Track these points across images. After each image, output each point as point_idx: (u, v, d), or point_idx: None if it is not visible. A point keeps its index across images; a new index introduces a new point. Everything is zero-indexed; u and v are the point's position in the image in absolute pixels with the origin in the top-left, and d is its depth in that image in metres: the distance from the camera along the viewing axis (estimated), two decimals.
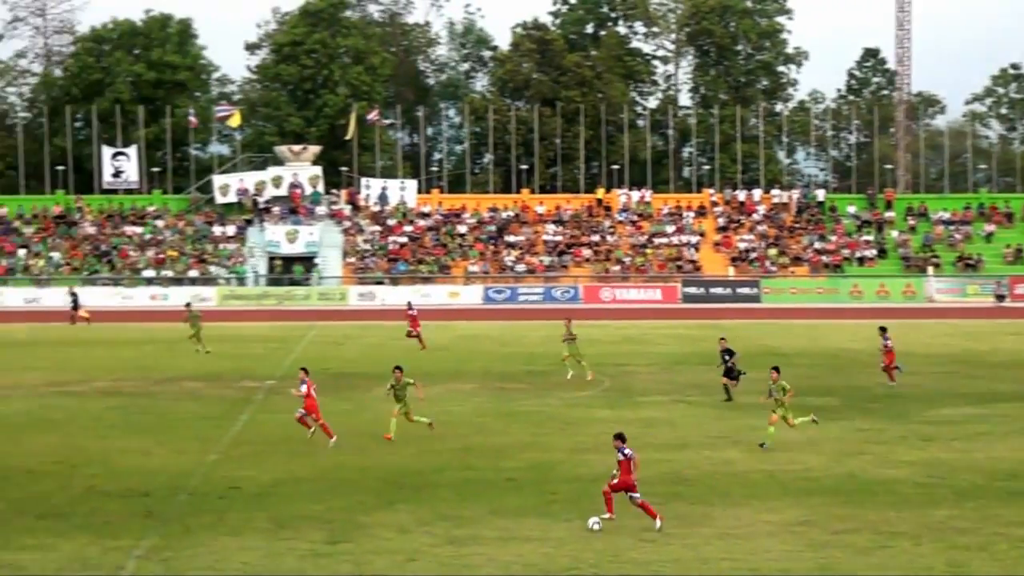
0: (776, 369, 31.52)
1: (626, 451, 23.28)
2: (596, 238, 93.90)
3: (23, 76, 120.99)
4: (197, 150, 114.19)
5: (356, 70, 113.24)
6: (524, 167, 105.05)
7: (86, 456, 29.92)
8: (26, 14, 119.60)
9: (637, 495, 23.24)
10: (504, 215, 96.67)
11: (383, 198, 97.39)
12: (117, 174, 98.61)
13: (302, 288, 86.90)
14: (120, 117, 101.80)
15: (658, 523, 22.81)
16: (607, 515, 23.01)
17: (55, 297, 79.54)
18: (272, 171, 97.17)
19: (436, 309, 78.86)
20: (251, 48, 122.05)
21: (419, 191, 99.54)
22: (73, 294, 72.94)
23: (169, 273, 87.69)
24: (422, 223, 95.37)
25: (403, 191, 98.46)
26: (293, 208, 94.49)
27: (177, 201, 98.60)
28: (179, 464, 29.03)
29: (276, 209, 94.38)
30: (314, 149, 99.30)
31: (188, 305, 57.61)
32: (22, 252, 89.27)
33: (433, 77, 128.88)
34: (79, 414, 36.70)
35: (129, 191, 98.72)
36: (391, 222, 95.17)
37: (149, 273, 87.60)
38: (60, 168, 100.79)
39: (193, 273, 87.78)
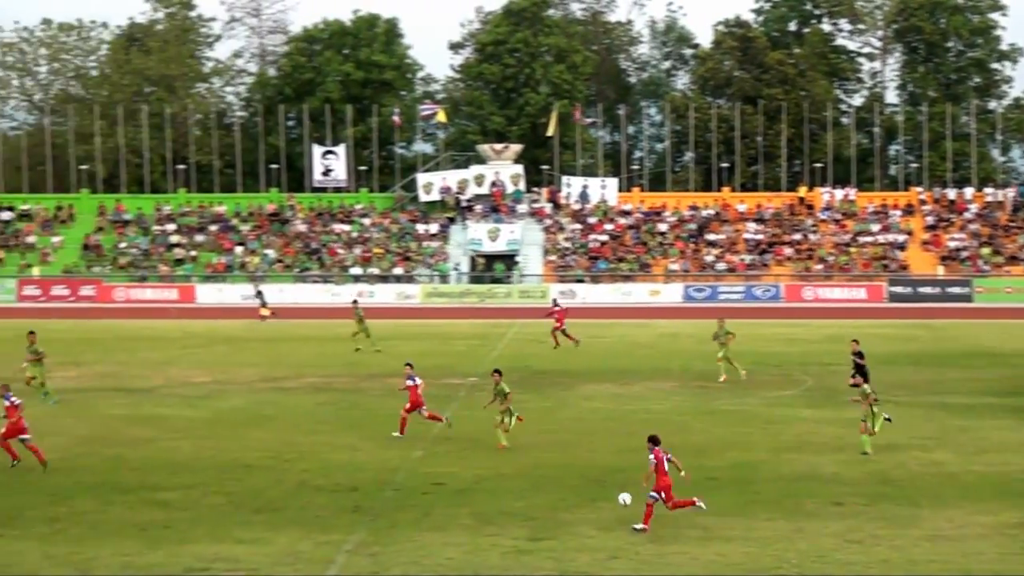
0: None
1: (661, 455, 23.19)
2: (798, 237, 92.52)
3: (240, 76, 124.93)
4: (402, 149, 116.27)
5: (558, 69, 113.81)
6: (725, 165, 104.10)
7: (298, 451, 30.81)
8: (242, 15, 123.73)
9: (656, 495, 23.02)
10: (705, 213, 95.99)
11: (584, 196, 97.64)
12: (326, 172, 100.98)
13: (503, 286, 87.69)
14: (329, 116, 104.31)
15: (641, 526, 22.78)
16: (700, 503, 23.42)
17: (270, 294, 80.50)
18: (474, 169, 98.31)
19: (636, 307, 78.83)
20: (455, 47, 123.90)
21: (620, 189, 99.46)
22: (259, 291, 74.52)
23: (375, 270, 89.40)
24: (623, 221, 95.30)
25: (604, 189, 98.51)
26: (495, 206, 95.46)
27: (383, 199, 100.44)
28: (385, 460, 29.67)
29: (478, 207, 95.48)
30: (516, 147, 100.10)
31: (355, 303, 56.48)
32: (239, 249, 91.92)
33: (634, 75, 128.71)
34: (291, 409, 37.75)
35: (338, 189, 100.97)
36: (592, 220, 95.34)
37: (356, 271, 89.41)
38: (274, 166, 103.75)
39: (398, 271, 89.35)
